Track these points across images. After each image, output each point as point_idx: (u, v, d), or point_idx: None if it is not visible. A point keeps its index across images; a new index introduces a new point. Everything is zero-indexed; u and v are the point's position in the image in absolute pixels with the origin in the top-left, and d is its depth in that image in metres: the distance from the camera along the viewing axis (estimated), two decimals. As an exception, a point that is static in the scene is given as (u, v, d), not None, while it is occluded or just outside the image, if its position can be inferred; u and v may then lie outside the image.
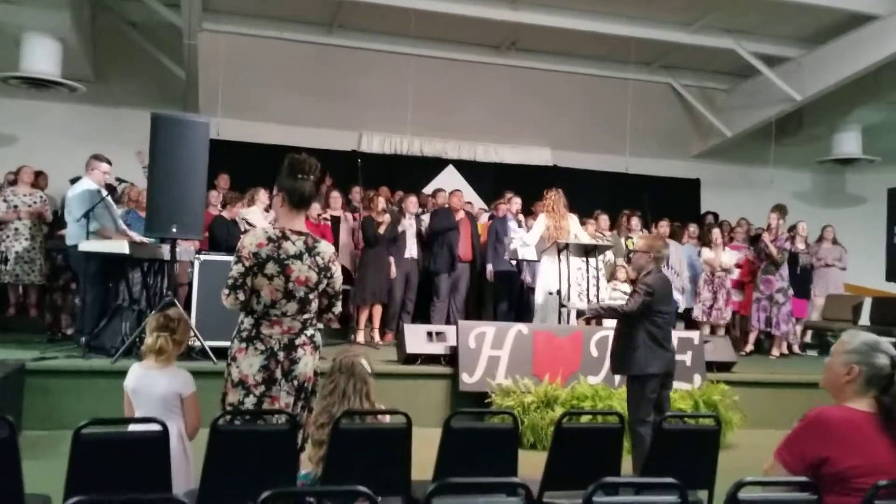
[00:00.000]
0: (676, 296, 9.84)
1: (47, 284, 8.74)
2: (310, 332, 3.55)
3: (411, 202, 9.60)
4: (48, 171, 9.90)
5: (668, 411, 5.27)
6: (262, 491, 2.17)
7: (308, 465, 3.44)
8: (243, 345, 3.46)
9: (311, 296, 3.51)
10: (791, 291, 10.01)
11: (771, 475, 2.76)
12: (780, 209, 10.06)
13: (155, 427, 3.10)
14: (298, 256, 3.47)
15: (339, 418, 3.24)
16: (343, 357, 3.60)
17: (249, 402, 3.42)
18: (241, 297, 3.43)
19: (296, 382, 3.48)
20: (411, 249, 9.32)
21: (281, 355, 3.45)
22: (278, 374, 3.45)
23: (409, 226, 9.36)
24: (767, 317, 9.80)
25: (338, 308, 3.68)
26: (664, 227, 10.25)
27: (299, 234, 3.53)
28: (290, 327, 3.48)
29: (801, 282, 10.38)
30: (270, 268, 3.42)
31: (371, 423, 3.48)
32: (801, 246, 10.46)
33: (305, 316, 3.52)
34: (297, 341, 3.49)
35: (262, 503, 2.16)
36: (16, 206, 8.67)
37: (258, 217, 8.62)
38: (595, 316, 6.03)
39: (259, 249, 3.43)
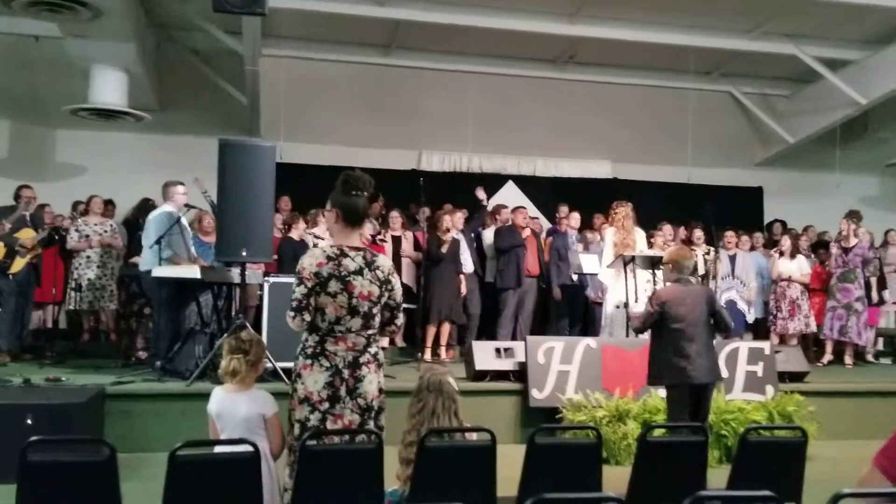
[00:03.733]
0: (742, 306, 9.69)
1: (121, 310, 8.97)
2: (374, 349, 3.55)
3: (457, 218, 9.56)
4: (116, 199, 10.22)
5: (704, 421, 5.33)
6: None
7: (395, 482, 3.46)
8: (308, 361, 3.48)
9: (374, 310, 3.52)
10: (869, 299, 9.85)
11: (868, 483, 2.69)
12: (853, 215, 9.81)
13: (244, 448, 3.16)
14: (359, 272, 3.48)
15: (424, 437, 3.26)
16: (431, 375, 3.61)
17: (315, 419, 3.43)
18: (307, 317, 3.45)
19: (361, 401, 3.47)
20: (467, 266, 9.32)
21: (346, 373, 3.46)
22: (343, 391, 3.45)
23: (460, 241, 9.32)
24: (842, 325, 9.55)
25: (399, 320, 3.69)
26: (730, 238, 10.09)
27: (357, 249, 3.55)
28: (354, 343, 3.48)
29: (869, 288, 10.07)
30: (333, 285, 3.43)
31: (457, 441, 3.48)
32: (869, 253, 10.20)
33: (370, 332, 3.52)
34: (362, 359, 3.49)
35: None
36: (87, 236, 8.97)
37: (325, 235, 8.75)
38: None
39: (319, 269, 3.45)
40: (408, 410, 3.59)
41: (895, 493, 2.59)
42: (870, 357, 10.37)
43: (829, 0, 9.37)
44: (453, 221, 9.34)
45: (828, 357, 9.71)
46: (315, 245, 8.67)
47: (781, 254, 9.94)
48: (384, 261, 3.61)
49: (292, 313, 3.45)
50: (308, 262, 3.48)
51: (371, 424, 3.49)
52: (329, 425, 3.42)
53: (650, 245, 8.92)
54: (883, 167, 13.39)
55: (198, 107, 11.36)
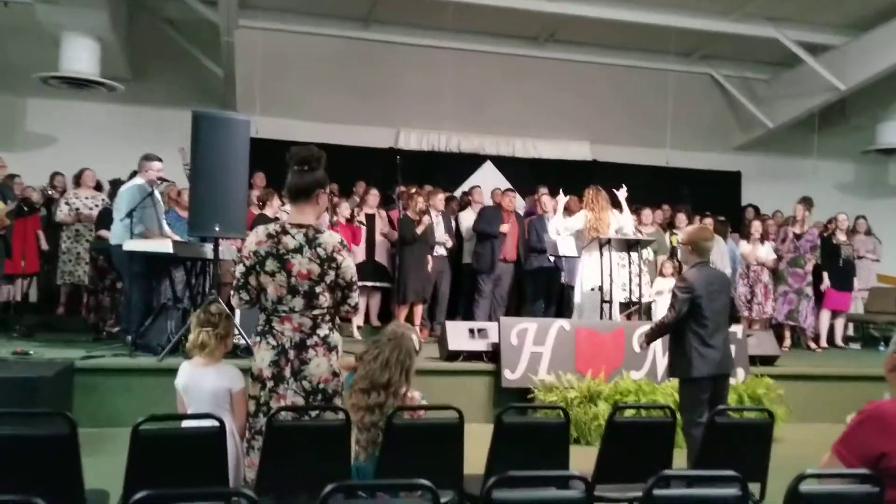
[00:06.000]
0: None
1: (91, 285, 8.86)
2: (323, 331, 3.44)
3: (438, 200, 9.57)
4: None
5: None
6: (317, 484, 2.19)
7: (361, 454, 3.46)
8: (258, 339, 3.46)
9: (317, 289, 3.39)
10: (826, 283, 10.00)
11: (828, 469, 2.72)
12: (806, 201, 9.96)
13: (210, 423, 3.12)
14: (298, 250, 3.38)
15: (392, 413, 3.25)
16: (395, 327, 3.58)
17: (265, 396, 3.40)
18: (245, 296, 3.42)
19: (305, 383, 3.40)
20: (438, 246, 9.33)
21: (291, 354, 3.39)
22: (287, 372, 3.39)
23: (436, 224, 9.33)
24: (791, 310, 9.65)
25: (353, 300, 3.55)
26: (708, 222, 10.10)
27: (300, 227, 3.43)
28: (300, 324, 3.40)
29: (844, 274, 10.18)
30: (270, 264, 3.36)
31: (424, 419, 3.46)
32: (842, 238, 10.28)
33: (315, 312, 3.41)
34: (309, 342, 3.41)
35: (325, 496, 2.18)
36: (77, 209, 8.87)
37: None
38: (650, 340, 5.37)
39: (258, 247, 3.38)
40: (363, 359, 3.52)
41: (853, 475, 2.64)
42: (839, 342, 10.47)
43: (810, -16, 9.36)
44: (434, 203, 9.33)
45: (787, 342, 9.74)
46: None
47: (753, 238, 9.98)
48: (329, 238, 3.45)
49: (232, 292, 3.46)
50: (249, 241, 3.44)
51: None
52: (273, 404, 3.37)
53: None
54: (859, 154, 13.46)
55: (172, 78, 11.21)
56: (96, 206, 8.97)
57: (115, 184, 8.58)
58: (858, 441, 2.64)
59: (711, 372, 4.90)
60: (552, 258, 9.10)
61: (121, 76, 10.29)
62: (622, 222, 8.19)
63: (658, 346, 7.14)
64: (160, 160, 7.41)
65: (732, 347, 7.24)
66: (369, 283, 9.10)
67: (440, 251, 9.33)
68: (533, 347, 6.97)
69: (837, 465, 2.68)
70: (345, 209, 9.20)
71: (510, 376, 6.89)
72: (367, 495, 2.68)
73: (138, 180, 7.33)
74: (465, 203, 10.52)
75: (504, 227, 9.36)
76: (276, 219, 8.42)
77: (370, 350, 3.54)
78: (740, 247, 10.04)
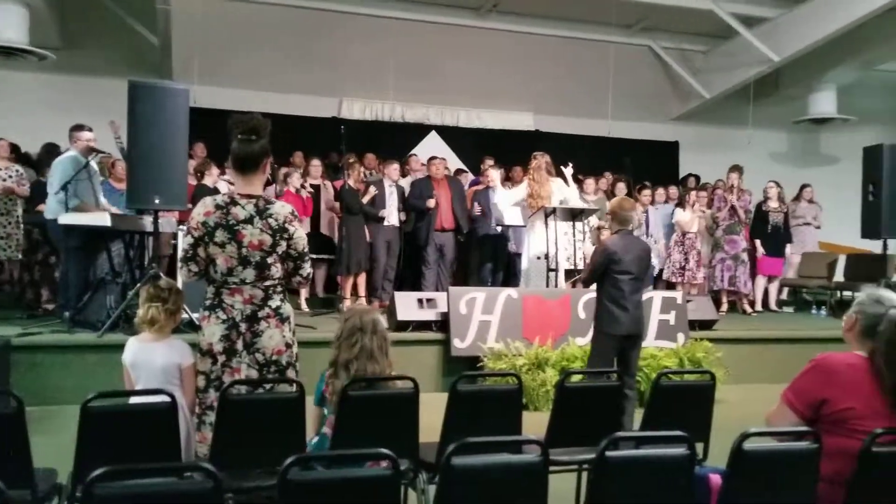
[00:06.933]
0: (653, 260, 9.92)
1: (25, 259, 8.57)
2: (274, 302, 3.42)
3: (392, 169, 9.50)
4: (17, 142, 9.69)
5: (634, 372, 5.50)
6: (271, 457, 2.18)
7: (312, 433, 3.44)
8: (206, 313, 3.40)
9: (268, 260, 3.37)
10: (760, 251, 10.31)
11: (777, 416, 2.85)
12: (738, 169, 10.22)
13: (161, 398, 3.08)
14: (249, 221, 3.33)
15: (347, 385, 3.24)
16: (363, 316, 3.50)
17: (216, 371, 3.37)
18: (194, 268, 3.36)
19: (259, 356, 3.38)
20: (391, 217, 9.27)
21: (243, 327, 3.36)
22: (239, 345, 3.36)
23: (389, 193, 9.29)
24: (731, 276, 9.92)
25: (305, 270, 3.53)
26: (646, 195, 10.27)
27: (250, 197, 3.39)
28: (251, 296, 3.37)
29: (774, 240, 10.47)
30: (220, 235, 3.31)
31: (379, 390, 3.46)
32: (772, 205, 10.55)
33: (267, 283, 3.39)
34: (261, 313, 3.38)
35: (285, 469, 2.18)
36: None
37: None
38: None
39: (207, 218, 3.32)
40: (336, 354, 3.49)
41: (792, 432, 2.77)
42: (773, 305, 10.80)
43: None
44: (388, 173, 9.32)
45: (724, 307, 9.97)
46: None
47: (689, 207, 10.20)
48: (280, 208, 3.43)
49: (180, 264, 3.39)
50: (197, 212, 3.36)
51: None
52: (226, 378, 3.33)
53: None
54: (791, 123, 13.83)
55: (105, 46, 10.87)
56: (10, 177, 8.57)
57: (51, 151, 8.30)
58: (804, 388, 2.81)
59: (619, 331, 5.26)
60: (499, 228, 9.15)
61: (52, 44, 9.96)
62: (566, 194, 8.26)
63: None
64: (90, 130, 7.20)
65: (672, 313, 7.56)
66: (314, 256, 9.02)
67: (392, 221, 9.26)
68: (482, 316, 7.04)
69: (785, 412, 2.82)
70: (296, 180, 9.09)
71: (459, 345, 6.95)
72: (325, 466, 2.68)
73: (72, 152, 7.12)
74: (403, 172, 10.49)
75: (430, 203, 9.22)
76: (216, 189, 8.29)
77: (346, 346, 3.46)
78: (676, 215, 10.23)
